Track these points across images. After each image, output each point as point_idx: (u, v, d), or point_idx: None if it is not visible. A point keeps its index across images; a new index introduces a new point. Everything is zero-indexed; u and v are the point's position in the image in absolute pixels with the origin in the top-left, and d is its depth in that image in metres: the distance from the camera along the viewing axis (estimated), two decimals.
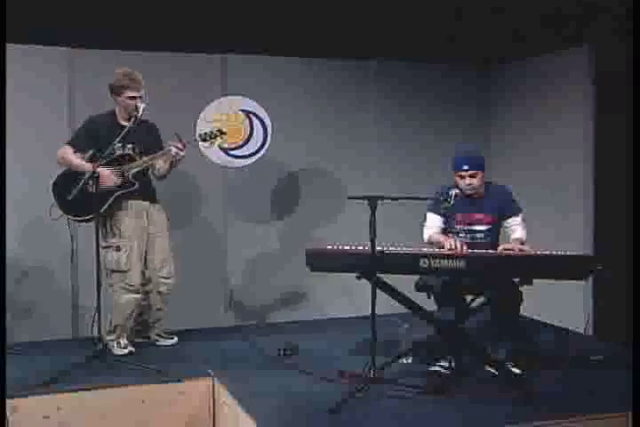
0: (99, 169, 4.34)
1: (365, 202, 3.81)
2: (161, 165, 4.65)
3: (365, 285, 3.86)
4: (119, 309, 4.64)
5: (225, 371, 4.24)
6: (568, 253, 3.74)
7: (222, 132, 4.62)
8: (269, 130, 5.52)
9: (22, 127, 4.93)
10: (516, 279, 3.89)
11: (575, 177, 5.29)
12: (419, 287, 4.19)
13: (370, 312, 3.77)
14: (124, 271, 4.59)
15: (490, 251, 3.98)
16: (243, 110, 5.48)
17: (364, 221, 3.83)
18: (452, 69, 6.03)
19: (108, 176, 4.45)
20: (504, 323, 4.12)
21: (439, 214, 4.31)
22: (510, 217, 4.28)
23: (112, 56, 5.08)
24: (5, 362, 3.75)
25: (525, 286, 3.81)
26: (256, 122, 5.52)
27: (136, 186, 4.54)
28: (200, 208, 5.57)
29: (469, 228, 4.28)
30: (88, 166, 4.41)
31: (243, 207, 5.67)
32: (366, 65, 5.85)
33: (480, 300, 4.17)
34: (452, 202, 4.04)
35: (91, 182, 4.34)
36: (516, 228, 4.26)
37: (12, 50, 4.65)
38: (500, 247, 4.02)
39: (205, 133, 4.61)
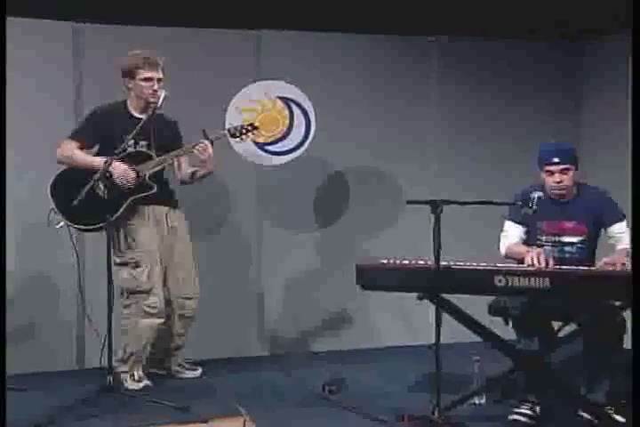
0: (112, 165, 4.31)
1: (428, 207, 3.76)
2: (184, 167, 4.67)
3: (427, 307, 3.82)
4: (136, 335, 4.63)
5: (259, 409, 4.13)
6: None
7: (255, 127, 4.62)
8: (313, 121, 5.47)
9: (20, 119, 4.88)
10: (617, 302, 3.79)
11: None
12: (493, 311, 4.15)
13: (433, 340, 3.72)
14: (146, 292, 4.58)
15: (582, 267, 3.90)
16: (281, 97, 5.44)
17: (425, 231, 3.82)
18: (531, 48, 5.97)
19: (125, 172, 4.40)
20: (602, 357, 3.97)
21: (519, 223, 4.25)
22: (613, 224, 4.18)
23: (126, 33, 5.09)
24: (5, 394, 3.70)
25: (629, 311, 3.64)
26: (297, 112, 5.47)
27: (154, 189, 4.52)
28: (229, 214, 5.56)
29: (557, 239, 4.19)
30: (98, 162, 4.36)
31: (280, 213, 5.67)
32: (428, 43, 5.80)
33: (570, 327, 4.10)
34: (534, 207, 3.95)
35: (101, 184, 4.32)
36: (622, 236, 4.16)
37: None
38: (601, 261, 3.92)
39: (235, 128, 4.61)
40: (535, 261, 3.87)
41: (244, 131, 4.58)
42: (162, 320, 4.66)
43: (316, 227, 5.72)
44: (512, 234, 4.26)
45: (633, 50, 3.48)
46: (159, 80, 4.49)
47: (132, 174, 4.43)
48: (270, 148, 5.45)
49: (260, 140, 5.31)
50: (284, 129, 5.45)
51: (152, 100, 4.45)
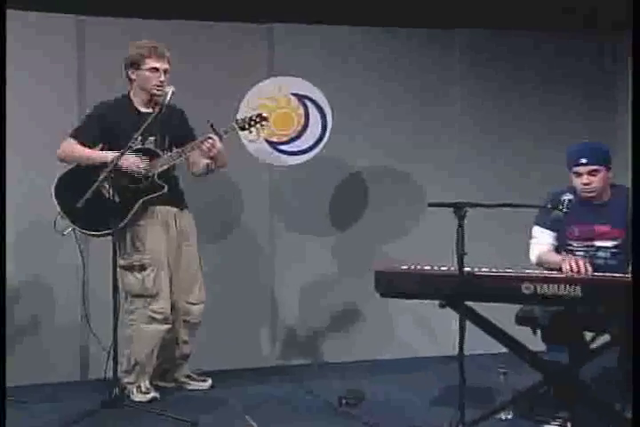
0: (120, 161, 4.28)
1: (451, 210, 3.72)
2: (197, 161, 4.62)
3: (450, 315, 3.77)
4: (141, 343, 4.60)
5: (271, 423, 4.18)
6: None
7: (263, 118, 4.58)
8: (329, 119, 5.47)
9: (20, 116, 4.84)
10: None
11: None
12: (521, 320, 4.10)
13: (456, 351, 3.65)
14: (151, 296, 4.56)
15: (616, 274, 3.82)
16: (296, 94, 5.44)
17: (447, 235, 3.75)
18: (561, 40, 5.92)
19: (133, 162, 4.38)
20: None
21: (549, 228, 4.22)
22: None
23: (131, 26, 5.09)
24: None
25: None
26: (312, 109, 5.48)
27: (165, 189, 4.50)
28: (241, 217, 5.54)
29: (590, 243, 4.15)
30: (108, 156, 4.33)
31: (293, 216, 5.65)
32: (450, 36, 5.80)
33: (603, 338, 4.00)
34: (564, 210, 3.91)
35: (106, 184, 4.29)
36: None
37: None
38: None
39: (243, 120, 4.57)
40: (575, 267, 3.82)
41: (252, 122, 4.53)
42: (168, 326, 4.64)
43: (331, 230, 5.69)
44: (542, 241, 4.25)
45: (633, 50, 3.53)
46: (166, 71, 4.47)
47: (140, 162, 4.40)
48: (284, 147, 5.46)
49: (274, 139, 5.33)
50: (299, 128, 5.46)
51: (157, 92, 4.44)
